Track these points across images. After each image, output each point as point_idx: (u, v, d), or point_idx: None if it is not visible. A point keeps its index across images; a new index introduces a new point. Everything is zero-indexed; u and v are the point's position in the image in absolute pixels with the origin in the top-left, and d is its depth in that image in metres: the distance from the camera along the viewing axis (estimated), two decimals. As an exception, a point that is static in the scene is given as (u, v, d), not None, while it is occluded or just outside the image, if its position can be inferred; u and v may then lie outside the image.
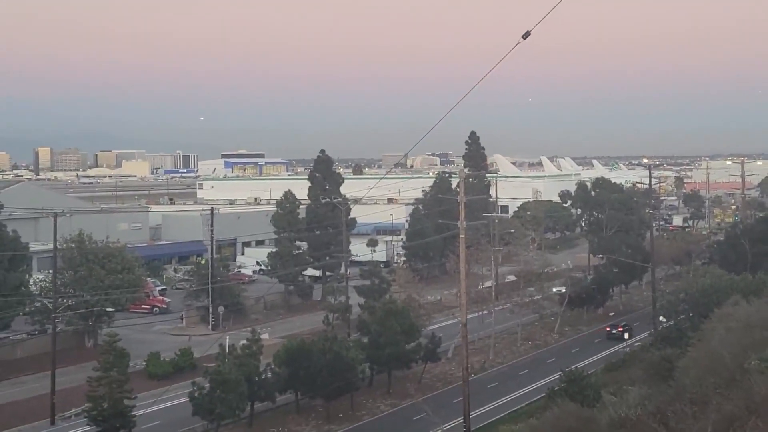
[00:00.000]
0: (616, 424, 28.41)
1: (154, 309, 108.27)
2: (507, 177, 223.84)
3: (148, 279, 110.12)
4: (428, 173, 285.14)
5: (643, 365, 64.01)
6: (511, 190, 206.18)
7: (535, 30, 32.33)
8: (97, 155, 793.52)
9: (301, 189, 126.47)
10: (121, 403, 57.91)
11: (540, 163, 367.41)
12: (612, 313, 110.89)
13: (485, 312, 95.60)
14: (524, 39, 32.98)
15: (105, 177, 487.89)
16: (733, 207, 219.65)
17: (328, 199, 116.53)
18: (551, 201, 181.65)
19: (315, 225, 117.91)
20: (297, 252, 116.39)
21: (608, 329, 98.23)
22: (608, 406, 35.71)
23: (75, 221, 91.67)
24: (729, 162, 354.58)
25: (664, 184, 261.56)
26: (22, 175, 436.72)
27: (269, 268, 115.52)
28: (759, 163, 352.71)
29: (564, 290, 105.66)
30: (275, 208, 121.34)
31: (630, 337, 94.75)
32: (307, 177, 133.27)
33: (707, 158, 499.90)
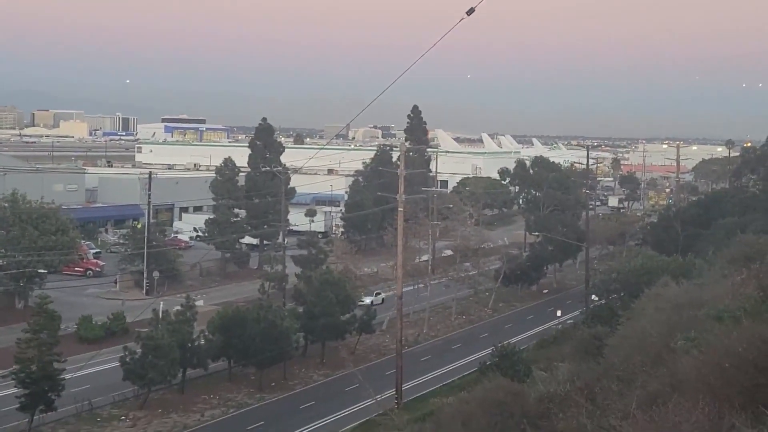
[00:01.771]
0: (544, 399, 28.77)
1: (88, 272, 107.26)
2: (447, 152, 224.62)
3: (83, 241, 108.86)
4: (369, 145, 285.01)
5: (573, 342, 64.81)
6: (451, 165, 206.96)
7: (479, 6, 32.48)
8: (34, 114, 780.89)
9: (241, 156, 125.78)
10: (50, 366, 57.31)
11: (481, 140, 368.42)
12: (546, 291, 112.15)
13: (421, 285, 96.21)
14: (468, 15, 33.13)
15: (42, 137, 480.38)
16: (668, 190, 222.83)
17: (267, 168, 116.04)
18: (490, 178, 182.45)
19: (254, 193, 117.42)
20: (235, 219, 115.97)
21: None
22: (538, 381, 36.19)
23: (9, 180, 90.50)
24: (665, 146, 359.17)
25: (601, 165, 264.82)
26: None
27: (206, 234, 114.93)
28: (694, 148, 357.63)
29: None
30: (214, 175, 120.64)
31: None
32: (247, 144, 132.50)
33: (644, 141, 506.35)
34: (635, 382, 23.11)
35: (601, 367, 32.18)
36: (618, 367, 28.88)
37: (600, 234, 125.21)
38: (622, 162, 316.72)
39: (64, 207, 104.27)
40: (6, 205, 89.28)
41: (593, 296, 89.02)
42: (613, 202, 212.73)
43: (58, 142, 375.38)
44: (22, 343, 57.78)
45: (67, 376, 59.23)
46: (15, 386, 57.86)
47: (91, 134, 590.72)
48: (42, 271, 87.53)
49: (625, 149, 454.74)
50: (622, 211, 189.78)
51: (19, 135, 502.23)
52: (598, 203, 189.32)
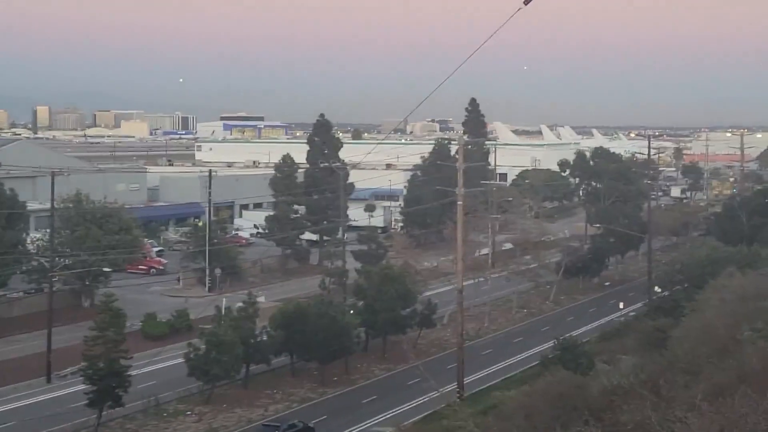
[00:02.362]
0: (608, 392, 28.64)
1: (151, 270, 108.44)
2: (506, 145, 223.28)
3: (146, 240, 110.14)
4: (428, 139, 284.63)
5: (636, 335, 64.53)
6: (510, 157, 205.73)
7: (537, -3, 32.34)
8: (95, 115, 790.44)
9: (299, 153, 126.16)
10: (117, 362, 58.09)
11: (539, 132, 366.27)
12: (608, 283, 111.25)
13: (481, 279, 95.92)
14: (526, 5, 33.01)
15: (104, 137, 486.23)
16: (732, 179, 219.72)
17: (326, 164, 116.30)
18: (550, 170, 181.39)
19: (313, 189, 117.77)
20: (294, 216, 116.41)
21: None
22: (601, 374, 36.02)
23: (73, 180, 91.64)
24: (728, 134, 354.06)
25: (663, 155, 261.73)
26: (20, 134, 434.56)
27: (267, 231, 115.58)
28: (758, 135, 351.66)
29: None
30: (273, 172, 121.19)
31: None
32: (305, 141, 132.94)
33: (707, 130, 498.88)
34: (701, 374, 22.91)
35: (665, 360, 31.96)
36: (683, 359, 28.68)
37: (662, 225, 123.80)
38: (684, 151, 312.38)
39: (126, 206, 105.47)
40: (70, 205, 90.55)
41: (656, 288, 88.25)
42: (675, 192, 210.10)
43: (119, 142, 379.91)
44: (90, 341, 58.63)
45: (134, 373, 60.03)
46: (83, 383, 58.76)
47: (151, 134, 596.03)
48: (106, 269, 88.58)
49: (687, 138, 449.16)
50: (685, 201, 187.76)
51: (84, 136, 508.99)
52: (660, 194, 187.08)
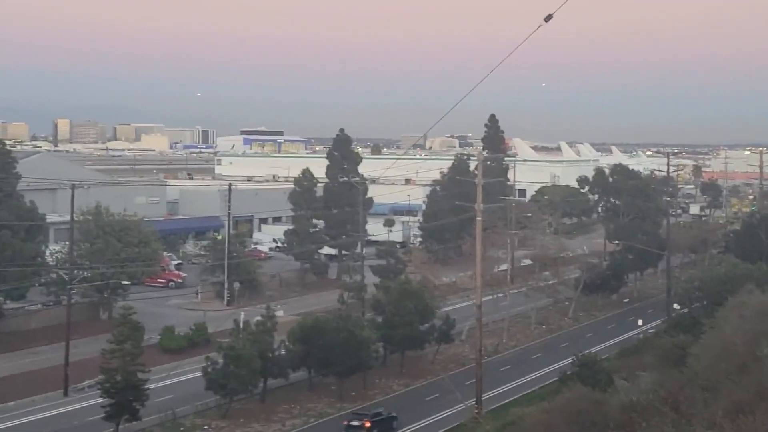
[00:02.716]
0: (627, 409, 28.49)
1: (170, 283, 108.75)
2: (525, 161, 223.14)
3: (165, 253, 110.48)
4: (447, 155, 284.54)
5: (655, 351, 64.05)
6: (529, 174, 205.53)
7: (557, 13, 32.32)
8: (116, 128, 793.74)
9: (319, 167, 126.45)
10: (135, 376, 58.20)
11: (559, 148, 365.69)
12: (626, 300, 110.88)
13: (500, 295, 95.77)
14: (546, 22, 33.00)
15: (125, 150, 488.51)
16: (751, 197, 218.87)
17: (345, 178, 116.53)
18: (569, 186, 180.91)
19: (332, 204, 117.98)
20: (314, 230, 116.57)
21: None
22: (620, 390, 35.84)
23: (93, 193, 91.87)
24: (747, 152, 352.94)
25: (682, 172, 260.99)
26: (41, 146, 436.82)
27: (285, 245, 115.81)
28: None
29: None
30: (293, 186, 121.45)
31: None
32: (325, 155, 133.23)
33: (726, 147, 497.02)
34: (720, 390, 22.77)
35: (684, 376, 31.80)
36: (702, 376, 28.51)
37: (681, 242, 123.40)
38: (703, 169, 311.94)
39: (146, 219, 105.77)
40: (90, 218, 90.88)
41: (675, 305, 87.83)
42: (694, 209, 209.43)
43: (140, 155, 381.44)
44: (107, 354, 58.76)
45: (151, 386, 60.17)
46: (100, 396, 58.85)
47: (171, 147, 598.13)
48: (125, 282, 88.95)
49: (706, 156, 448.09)
50: (704, 218, 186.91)
51: (106, 149, 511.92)
52: (679, 211, 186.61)
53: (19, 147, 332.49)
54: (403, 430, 62.68)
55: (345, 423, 62.02)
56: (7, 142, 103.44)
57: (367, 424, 60.91)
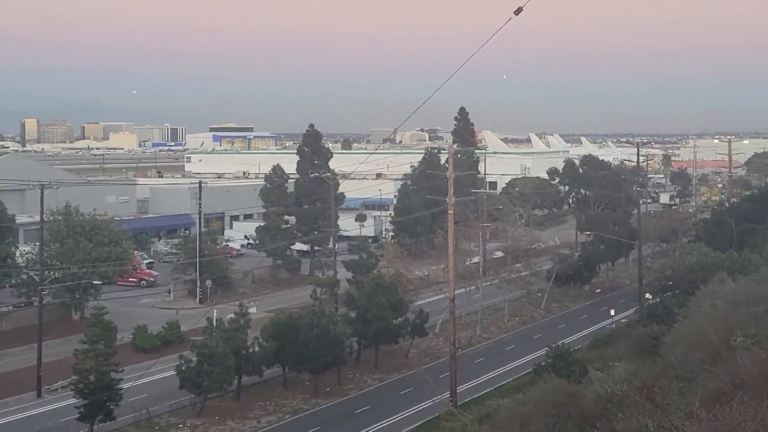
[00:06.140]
0: (602, 400, 28.56)
1: (142, 282, 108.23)
2: (495, 153, 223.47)
3: (136, 252, 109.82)
4: (417, 149, 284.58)
5: (629, 341, 64.52)
6: (500, 166, 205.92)
7: (527, 6, 32.32)
8: (84, 127, 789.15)
9: (289, 163, 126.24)
10: (108, 375, 57.87)
11: (529, 140, 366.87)
12: (598, 290, 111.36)
13: (472, 288, 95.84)
14: (516, 15, 33.00)
15: (94, 149, 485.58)
16: (720, 185, 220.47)
17: (316, 174, 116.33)
18: (539, 178, 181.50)
19: (303, 199, 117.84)
20: (285, 226, 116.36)
21: None
22: (595, 381, 35.94)
23: (62, 193, 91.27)
24: (716, 140, 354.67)
25: (651, 162, 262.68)
26: (8, 147, 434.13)
27: (257, 242, 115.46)
28: (746, 141, 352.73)
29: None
30: (264, 182, 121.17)
31: None
32: (295, 151, 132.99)
33: (694, 137, 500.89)
34: (695, 380, 22.86)
35: (659, 366, 31.92)
36: (676, 365, 28.63)
37: (652, 231, 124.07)
38: (672, 158, 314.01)
39: (116, 218, 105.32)
40: (60, 217, 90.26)
41: (647, 294, 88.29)
42: (664, 198, 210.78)
43: (108, 154, 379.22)
44: (80, 354, 58.39)
45: (125, 386, 59.82)
46: (74, 396, 58.51)
47: (140, 145, 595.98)
48: (97, 282, 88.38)
49: (675, 145, 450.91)
50: (674, 207, 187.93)
51: (88, 148, 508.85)
52: (649, 200, 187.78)
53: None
54: (379, 424, 62.62)
55: None
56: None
57: None
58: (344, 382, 72.14)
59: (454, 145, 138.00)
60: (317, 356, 67.45)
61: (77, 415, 57.49)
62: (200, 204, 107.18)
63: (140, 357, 76.61)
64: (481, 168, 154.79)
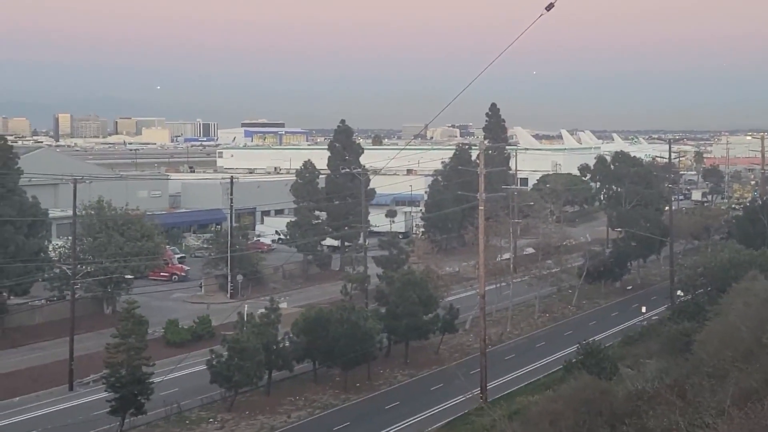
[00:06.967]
0: (633, 397, 28.43)
1: (173, 277, 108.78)
2: (527, 149, 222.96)
3: (168, 247, 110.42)
4: (448, 145, 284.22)
5: (660, 339, 64.11)
6: (531, 162, 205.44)
7: (558, 2, 32.21)
8: (116, 122, 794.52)
9: (320, 159, 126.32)
10: (139, 369, 58.25)
11: (560, 136, 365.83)
12: (630, 287, 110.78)
13: (503, 284, 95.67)
14: (548, 11, 32.90)
15: (129, 144, 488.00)
16: (753, 182, 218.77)
17: (347, 170, 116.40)
18: (571, 174, 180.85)
19: (334, 195, 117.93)
20: (316, 222, 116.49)
21: None
22: (625, 378, 35.79)
23: (95, 188, 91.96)
24: (749, 137, 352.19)
25: (683, 158, 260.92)
26: (42, 141, 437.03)
27: (288, 237, 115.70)
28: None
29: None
30: (295, 178, 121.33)
31: None
32: (326, 147, 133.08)
33: (727, 133, 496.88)
34: (727, 378, 22.67)
35: (690, 364, 31.75)
36: (708, 363, 28.44)
37: (684, 228, 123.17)
38: (704, 155, 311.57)
39: (148, 213, 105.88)
40: (92, 212, 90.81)
41: (679, 292, 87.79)
42: (696, 195, 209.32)
43: (141, 149, 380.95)
44: (112, 348, 58.80)
45: (156, 380, 60.15)
46: (105, 390, 58.92)
47: (172, 140, 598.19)
48: (128, 276, 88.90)
49: (707, 142, 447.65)
50: (706, 204, 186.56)
51: (123, 143, 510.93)
52: (681, 197, 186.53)
53: (20, 142, 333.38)
54: (409, 420, 62.61)
55: None
56: (9, 137, 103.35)
57: None
58: (374, 377, 72.17)
59: (485, 141, 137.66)
60: (347, 351, 67.49)
61: (108, 409, 57.85)
62: (232, 199, 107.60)
63: (171, 351, 76.94)
64: (512, 164, 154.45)
